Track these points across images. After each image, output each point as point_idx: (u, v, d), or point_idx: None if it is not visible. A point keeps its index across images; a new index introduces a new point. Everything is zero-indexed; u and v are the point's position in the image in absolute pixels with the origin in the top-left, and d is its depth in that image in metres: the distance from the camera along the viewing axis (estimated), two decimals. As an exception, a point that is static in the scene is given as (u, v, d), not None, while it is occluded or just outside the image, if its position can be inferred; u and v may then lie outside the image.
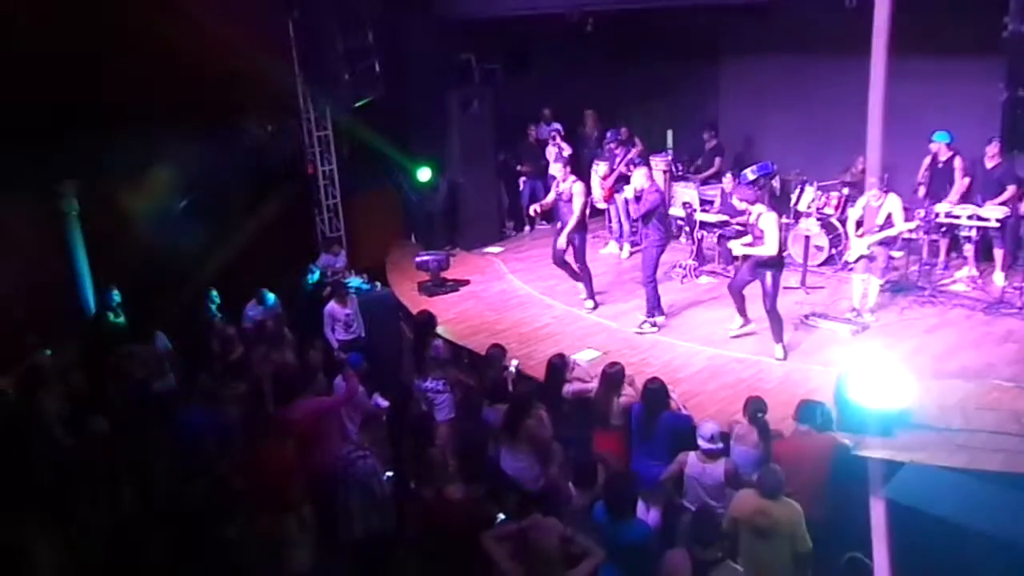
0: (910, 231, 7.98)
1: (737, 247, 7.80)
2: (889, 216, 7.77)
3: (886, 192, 7.89)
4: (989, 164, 8.39)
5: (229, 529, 5.47)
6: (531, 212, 9.50)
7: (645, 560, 4.74)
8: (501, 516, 5.22)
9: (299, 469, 5.50)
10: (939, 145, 8.66)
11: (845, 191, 9.32)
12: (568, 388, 6.36)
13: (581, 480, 5.41)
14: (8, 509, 5.32)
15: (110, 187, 9.17)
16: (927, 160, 8.89)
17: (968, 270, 8.68)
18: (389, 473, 6.05)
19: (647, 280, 8.12)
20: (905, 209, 8.55)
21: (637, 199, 7.94)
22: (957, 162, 8.68)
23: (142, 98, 9.26)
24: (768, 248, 7.14)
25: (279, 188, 10.62)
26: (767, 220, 7.18)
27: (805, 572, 4.87)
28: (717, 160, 10.77)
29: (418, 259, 9.71)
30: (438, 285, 9.52)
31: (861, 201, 8.08)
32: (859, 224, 7.99)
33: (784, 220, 9.73)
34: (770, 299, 7.24)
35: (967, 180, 8.66)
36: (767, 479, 4.93)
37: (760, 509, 4.86)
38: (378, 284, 9.92)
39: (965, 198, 8.63)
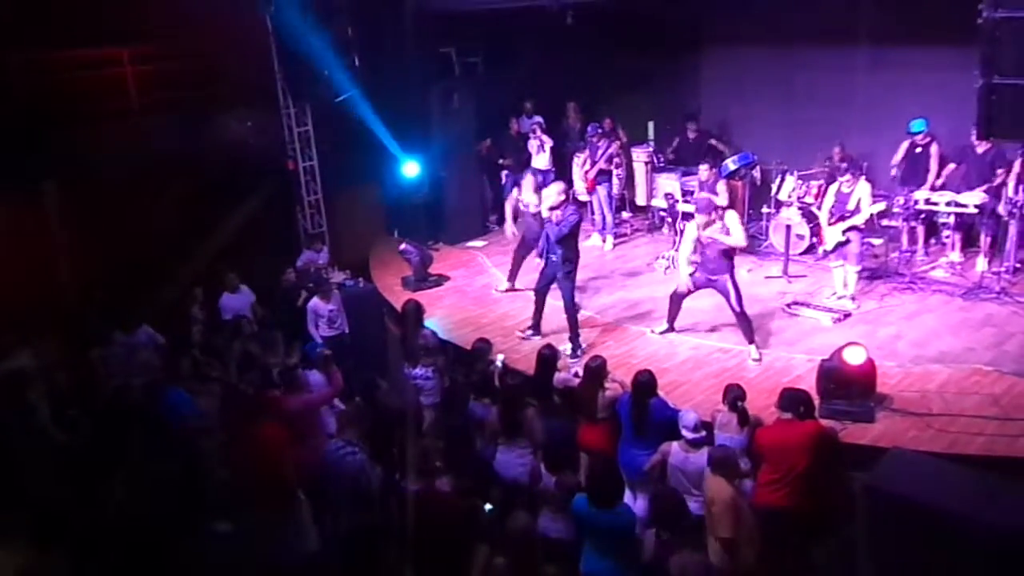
0: (880, 213, 8.07)
1: (712, 231, 7.22)
2: (859, 202, 7.84)
3: (858, 178, 7.97)
4: (980, 149, 8.46)
5: (220, 524, 5.46)
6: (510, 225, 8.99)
7: (631, 545, 4.79)
8: (488, 507, 5.24)
9: (292, 455, 5.51)
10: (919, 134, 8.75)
11: (823, 182, 9.40)
12: (557, 378, 6.39)
13: (553, 464, 5.41)
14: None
15: (90, 184, 9.08)
16: (903, 146, 8.96)
17: (952, 256, 8.77)
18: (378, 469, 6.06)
19: (569, 308, 7.55)
20: (884, 196, 8.66)
21: (558, 223, 7.24)
22: (933, 148, 8.77)
23: (122, 94, 9.21)
24: (736, 239, 7.04)
25: (260, 184, 10.57)
26: (731, 217, 7.13)
27: (735, 560, 4.92)
28: (714, 144, 10.78)
29: (401, 247, 9.68)
30: (421, 279, 9.51)
31: (832, 189, 8.15)
32: (831, 213, 8.05)
33: (765, 209, 9.84)
34: (738, 300, 7.17)
35: (951, 166, 8.74)
36: (715, 451, 5.13)
37: (707, 482, 5.02)
38: (361, 280, 9.89)
39: (948, 185, 8.72)
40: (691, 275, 7.38)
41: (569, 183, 10.62)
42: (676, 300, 7.63)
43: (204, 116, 9.85)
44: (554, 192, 7.33)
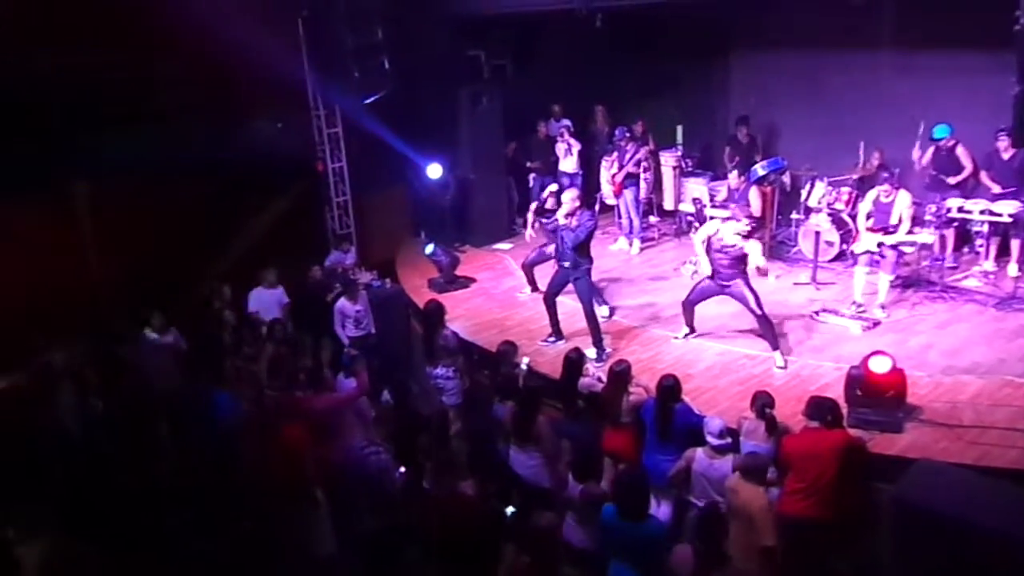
0: (913, 221, 7.97)
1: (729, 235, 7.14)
2: (901, 216, 7.74)
3: (897, 188, 7.87)
4: (1006, 155, 8.33)
5: (244, 522, 5.54)
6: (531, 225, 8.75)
7: (660, 555, 4.76)
8: (510, 510, 5.25)
9: (313, 456, 5.57)
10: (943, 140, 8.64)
11: (850, 188, 9.27)
12: (582, 383, 6.39)
13: (581, 473, 5.41)
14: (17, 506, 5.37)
15: (120, 186, 9.22)
16: (929, 152, 8.84)
17: (986, 265, 8.64)
18: (402, 469, 6.09)
19: (589, 313, 7.56)
20: (916, 204, 8.54)
21: (575, 229, 7.31)
22: (960, 150, 8.64)
23: (152, 96, 9.33)
24: (755, 257, 7.01)
25: (289, 185, 10.67)
26: (754, 248, 7.04)
27: (773, 568, 4.87)
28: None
29: (428, 250, 9.74)
30: (449, 282, 9.55)
31: (871, 195, 8.05)
32: (868, 217, 7.97)
33: (795, 216, 9.75)
34: (757, 303, 7.13)
35: (970, 167, 8.62)
36: (746, 458, 5.08)
37: (733, 486, 4.97)
38: (388, 281, 9.95)
39: (973, 189, 8.61)
40: (703, 282, 7.41)
41: (597, 187, 10.67)
42: (689, 305, 7.62)
43: (234, 118, 9.95)
44: (569, 199, 7.43)
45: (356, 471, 5.59)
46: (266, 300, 8.81)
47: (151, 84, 9.29)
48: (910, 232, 7.78)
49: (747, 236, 7.04)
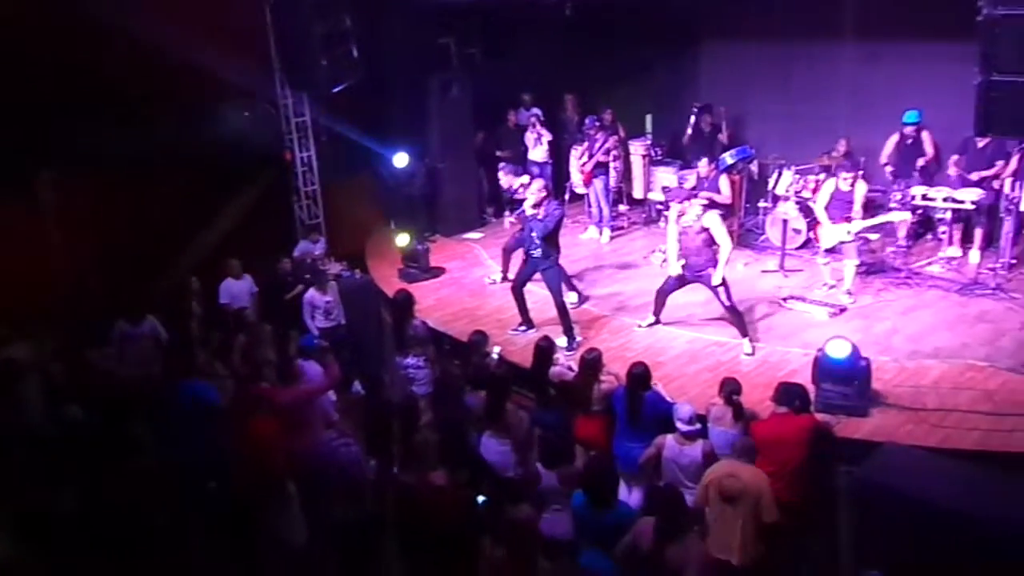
0: (901, 221, 8.10)
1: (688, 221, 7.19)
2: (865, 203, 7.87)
3: (857, 177, 7.98)
4: (980, 143, 8.45)
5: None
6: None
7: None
8: (481, 498, 5.25)
9: (282, 448, 5.53)
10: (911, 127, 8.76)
11: (821, 176, 9.36)
12: (553, 371, 6.40)
13: (549, 459, 5.41)
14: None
15: (85, 176, 9.05)
16: (893, 140, 8.96)
17: (950, 251, 8.78)
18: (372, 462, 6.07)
19: (559, 303, 7.60)
20: (879, 191, 8.68)
21: (543, 220, 7.35)
22: (925, 135, 8.79)
23: (117, 86, 9.15)
24: (725, 245, 7.07)
25: (257, 174, 10.54)
26: (712, 219, 7.11)
27: (768, 546, 4.93)
28: (720, 138, 10.61)
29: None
30: (420, 271, 9.52)
31: (828, 186, 8.11)
32: (830, 213, 8.03)
33: (762, 204, 9.84)
34: (727, 294, 7.19)
35: (955, 157, 8.70)
36: (741, 443, 5.16)
37: (731, 471, 4.98)
38: (357, 271, 9.89)
39: (934, 175, 8.79)
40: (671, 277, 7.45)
41: (566, 176, 10.67)
42: (661, 294, 7.66)
43: (201, 107, 9.80)
44: (536, 189, 7.48)
45: (326, 462, 5.56)
46: (236, 291, 8.74)
47: (115, 72, 9.11)
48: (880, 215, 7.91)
49: (706, 208, 7.14)
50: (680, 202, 7.23)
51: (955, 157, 8.71)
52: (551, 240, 7.50)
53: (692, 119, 10.62)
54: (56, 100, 8.62)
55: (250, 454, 5.45)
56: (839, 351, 5.98)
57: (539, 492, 5.27)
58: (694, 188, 9.31)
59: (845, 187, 7.93)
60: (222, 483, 5.75)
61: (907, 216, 8.16)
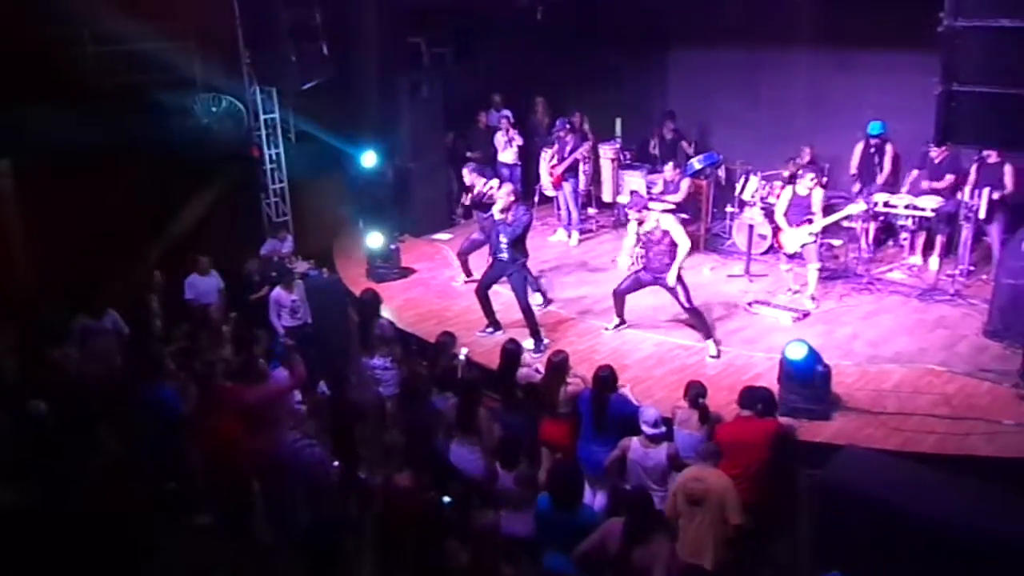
0: (854, 216, 8.23)
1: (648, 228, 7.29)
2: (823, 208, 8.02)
3: (816, 182, 8.11)
4: (936, 157, 8.61)
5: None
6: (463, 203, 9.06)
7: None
8: (447, 499, 5.23)
9: (247, 448, 5.48)
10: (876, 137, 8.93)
11: (786, 187, 9.48)
12: (520, 373, 6.40)
13: (506, 460, 5.40)
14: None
15: (47, 167, 8.87)
16: (859, 148, 9.13)
17: (913, 259, 8.94)
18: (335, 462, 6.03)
19: (525, 307, 7.62)
20: (843, 198, 8.81)
21: (511, 224, 7.38)
22: (888, 147, 8.99)
23: (81, 75, 8.99)
24: (683, 246, 7.15)
25: (224, 170, 10.41)
26: (669, 221, 7.21)
27: (735, 549, 4.98)
28: (683, 145, 10.77)
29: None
30: (387, 271, 9.46)
31: (787, 193, 8.23)
32: (789, 218, 8.13)
33: (729, 209, 9.94)
34: (687, 297, 7.28)
35: (914, 172, 8.90)
36: (705, 447, 5.20)
37: (695, 475, 5.01)
38: (325, 270, 9.80)
39: (893, 185, 8.97)
40: (637, 272, 7.52)
41: (536, 178, 10.69)
42: (618, 295, 7.71)
43: (168, 100, 9.66)
44: (504, 194, 7.52)
45: (290, 464, 5.51)
46: (203, 287, 8.64)
47: (78, 62, 8.95)
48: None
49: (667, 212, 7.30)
50: (639, 211, 7.31)
51: (915, 172, 8.89)
52: (518, 245, 7.53)
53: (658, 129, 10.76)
54: (16, 91, 8.44)
55: (215, 453, 5.39)
56: (796, 353, 6.07)
57: (496, 492, 5.27)
58: (662, 192, 9.44)
59: (803, 191, 8.05)
60: (183, 483, 5.68)
61: (863, 207, 8.27)
